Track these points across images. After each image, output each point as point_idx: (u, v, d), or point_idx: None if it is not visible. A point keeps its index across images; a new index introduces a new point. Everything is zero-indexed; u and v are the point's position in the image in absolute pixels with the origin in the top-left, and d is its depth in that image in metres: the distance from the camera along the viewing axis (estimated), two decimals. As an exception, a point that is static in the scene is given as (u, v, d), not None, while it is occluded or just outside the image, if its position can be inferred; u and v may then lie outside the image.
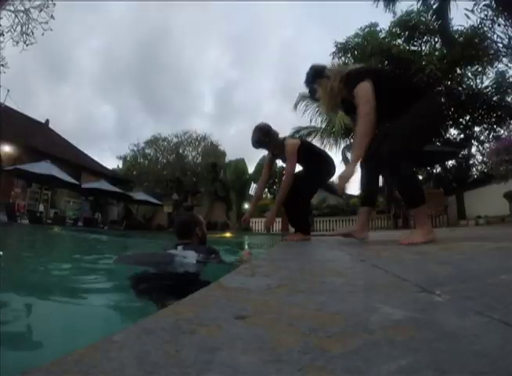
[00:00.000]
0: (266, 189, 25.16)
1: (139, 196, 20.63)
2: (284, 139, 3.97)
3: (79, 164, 21.85)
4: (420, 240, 2.31)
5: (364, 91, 2.58)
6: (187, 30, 71.16)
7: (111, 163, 55.80)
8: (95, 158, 25.51)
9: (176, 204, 23.95)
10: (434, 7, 12.42)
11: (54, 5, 12.50)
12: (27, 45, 12.55)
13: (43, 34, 12.65)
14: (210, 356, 0.45)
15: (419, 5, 12.91)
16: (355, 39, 15.23)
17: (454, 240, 2.47)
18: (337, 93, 2.89)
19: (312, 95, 3.20)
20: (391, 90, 2.68)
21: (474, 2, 11.62)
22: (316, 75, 3.08)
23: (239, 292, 0.86)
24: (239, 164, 23.47)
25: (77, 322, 1.50)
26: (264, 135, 3.87)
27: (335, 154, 17.63)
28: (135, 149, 27.26)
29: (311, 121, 17.50)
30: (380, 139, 2.57)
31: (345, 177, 2.50)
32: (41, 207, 18.03)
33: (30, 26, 12.46)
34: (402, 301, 0.72)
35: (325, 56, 16.72)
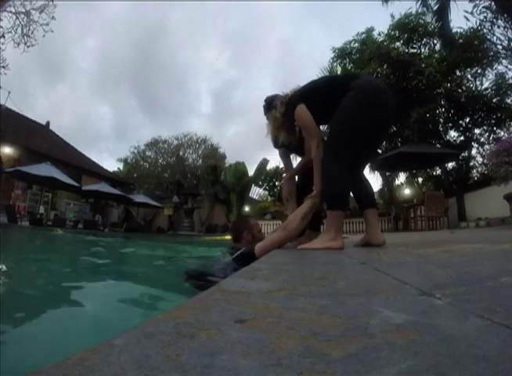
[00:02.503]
0: (266, 192, 25.17)
1: (140, 198, 20.65)
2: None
3: (80, 166, 21.89)
4: (317, 245, 2.33)
5: (300, 115, 2.60)
6: (184, 28, 70.90)
7: (109, 164, 55.84)
8: (93, 160, 25.53)
9: (176, 207, 23.97)
10: (434, 9, 12.45)
11: (55, 6, 12.53)
12: (28, 47, 12.57)
13: (44, 36, 12.68)
14: (211, 360, 0.45)
15: (418, 6, 12.94)
16: (353, 44, 15.28)
17: (455, 243, 2.47)
18: (281, 124, 2.85)
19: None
20: (322, 98, 2.63)
21: (473, 4, 11.67)
22: (267, 107, 3.04)
23: (239, 295, 0.86)
24: (240, 167, 23.49)
25: (75, 325, 1.50)
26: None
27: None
28: (136, 151, 27.33)
29: None
30: None
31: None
32: (42, 209, 18.07)
33: (30, 27, 12.48)
34: (403, 305, 0.72)
35: (324, 55, 16.78)
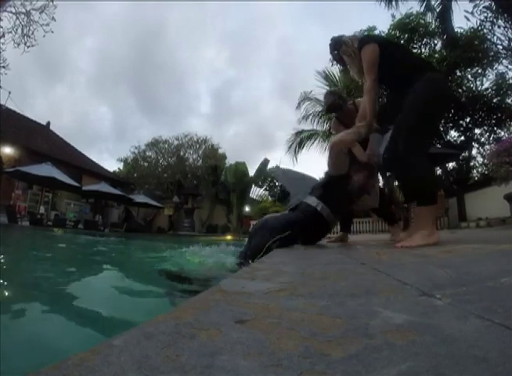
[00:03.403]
0: (266, 192, 25.13)
1: (140, 198, 20.62)
2: (353, 103, 3.97)
3: (80, 166, 21.86)
4: (417, 242, 2.28)
5: (368, 54, 2.68)
6: (183, 28, 70.43)
7: (109, 164, 55.71)
8: (93, 160, 25.51)
9: (177, 207, 23.94)
10: (437, 9, 12.45)
11: (55, 7, 12.51)
12: (28, 47, 12.55)
13: (44, 36, 12.66)
14: (211, 360, 0.45)
15: (421, 7, 12.94)
16: None
17: (455, 243, 2.47)
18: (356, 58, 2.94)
19: (339, 63, 3.29)
20: (393, 59, 2.70)
21: (473, 4, 11.65)
22: (334, 45, 3.17)
23: (239, 296, 0.86)
24: (240, 167, 23.45)
25: (73, 325, 1.50)
26: (338, 98, 3.89)
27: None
28: (136, 151, 27.30)
29: (312, 122, 17.46)
30: (393, 136, 2.63)
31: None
32: (42, 209, 18.06)
33: (31, 28, 12.46)
34: (403, 305, 0.72)
35: (324, 55, 16.76)
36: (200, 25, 75.90)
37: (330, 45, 3.22)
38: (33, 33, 12.51)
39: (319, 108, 17.23)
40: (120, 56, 61.74)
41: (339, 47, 3.08)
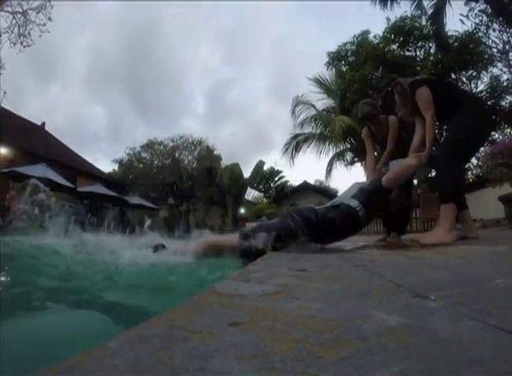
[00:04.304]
0: (262, 194, 25.17)
1: (135, 200, 20.58)
2: (386, 116, 4.25)
3: (75, 167, 21.77)
4: (431, 240, 2.51)
5: (423, 97, 3.01)
6: (178, 27, 69.80)
7: (104, 165, 55.28)
8: (88, 161, 25.40)
9: (172, 209, 23.89)
10: (429, 12, 12.55)
11: (52, 7, 12.49)
12: (24, 47, 12.52)
13: (40, 36, 12.64)
14: (204, 363, 0.45)
15: (413, 9, 13.04)
16: (348, 47, 15.34)
17: (450, 244, 2.48)
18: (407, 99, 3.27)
19: (387, 99, 3.63)
20: (439, 96, 3.02)
21: (468, 8, 11.74)
22: (390, 82, 3.51)
23: (233, 298, 0.86)
24: (235, 169, 23.44)
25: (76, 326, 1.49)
26: (373, 109, 4.15)
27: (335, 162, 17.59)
28: (131, 152, 27.29)
29: (302, 126, 17.53)
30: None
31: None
32: (36, 211, 17.97)
33: (27, 27, 12.44)
34: (396, 307, 0.72)
35: (320, 55, 16.82)
36: (194, 24, 75.67)
37: (385, 82, 3.64)
38: (29, 33, 12.49)
39: (312, 111, 17.31)
40: (114, 55, 61.25)
41: (394, 86, 3.39)
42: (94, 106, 70.54)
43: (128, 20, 58.61)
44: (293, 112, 17.53)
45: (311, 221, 2.67)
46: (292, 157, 17.82)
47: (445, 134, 3.15)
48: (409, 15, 13.62)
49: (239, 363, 0.45)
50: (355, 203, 2.84)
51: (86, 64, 62.65)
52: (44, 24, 12.54)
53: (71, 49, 59.14)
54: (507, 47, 11.58)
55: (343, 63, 15.77)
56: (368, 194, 2.91)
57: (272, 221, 2.88)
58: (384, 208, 3.27)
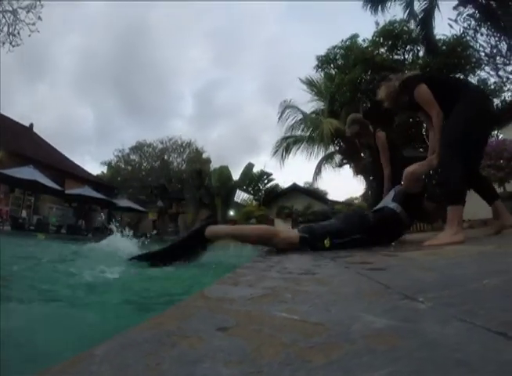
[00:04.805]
0: (251, 196, 25.20)
1: (124, 203, 20.47)
2: (374, 130, 4.42)
3: (63, 169, 21.56)
4: (440, 242, 2.50)
5: (423, 94, 3.02)
6: (167, 27, 69.10)
7: (92, 168, 54.75)
8: (76, 162, 25.15)
9: (161, 212, 23.81)
10: (419, 16, 12.74)
11: (42, 6, 12.38)
12: (13, 46, 12.40)
13: (30, 35, 12.52)
14: (191, 368, 0.45)
15: (404, 15, 13.22)
16: (337, 50, 15.48)
17: (439, 245, 2.50)
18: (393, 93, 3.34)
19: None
20: (434, 89, 3.00)
21: (457, 12, 11.95)
22: (380, 80, 3.66)
23: (221, 302, 0.86)
24: (224, 171, 23.45)
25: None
26: (362, 127, 4.35)
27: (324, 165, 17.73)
28: (120, 155, 27.10)
29: (292, 130, 17.61)
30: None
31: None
32: (24, 214, 17.71)
33: (17, 27, 12.31)
34: (385, 310, 0.72)
35: (311, 57, 16.94)
36: (184, 24, 75.40)
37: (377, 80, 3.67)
38: (18, 32, 12.36)
39: (300, 115, 17.41)
40: (103, 55, 60.70)
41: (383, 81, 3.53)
42: (82, 107, 69.96)
43: (117, 20, 58.28)
44: (280, 117, 17.62)
45: (366, 224, 2.82)
46: (282, 159, 17.91)
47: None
48: (399, 19, 13.79)
49: (227, 367, 0.44)
50: (395, 205, 3.00)
51: (75, 64, 62.03)
52: (33, 23, 12.45)
53: (60, 49, 58.56)
54: (495, 51, 11.81)
55: (332, 66, 15.90)
56: (405, 196, 3.05)
57: (330, 221, 3.01)
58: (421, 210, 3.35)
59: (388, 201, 3.09)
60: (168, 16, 66.33)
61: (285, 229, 2.89)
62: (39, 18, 12.46)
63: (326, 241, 2.61)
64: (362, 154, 15.08)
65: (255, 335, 0.57)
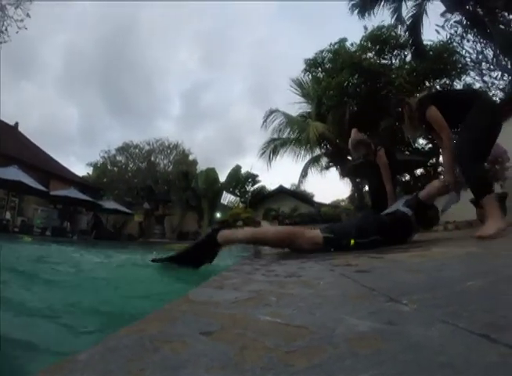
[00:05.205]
0: (238, 198, 25.18)
1: (109, 204, 20.23)
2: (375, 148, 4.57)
3: (48, 170, 21.23)
4: (490, 231, 2.60)
5: (434, 115, 3.13)
6: (155, 27, 68.18)
7: (78, 169, 53.80)
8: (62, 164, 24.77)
9: (147, 214, 23.60)
10: (407, 22, 12.94)
11: (31, 2, 12.20)
12: (1, 43, 12.19)
13: (17, 32, 12.33)
14: (174, 374, 0.44)
15: (392, 20, 13.40)
16: (325, 54, 15.58)
17: (425, 247, 2.52)
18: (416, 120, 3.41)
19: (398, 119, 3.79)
20: (446, 106, 3.14)
21: (444, 19, 12.17)
22: (396, 104, 3.76)
23: (206, 306, 0.85)
24: (211, 173, 23.38)
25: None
26: (367, 149, 4.49)
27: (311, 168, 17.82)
28: (106, 156, 26.81)
29: (279, 132, 17.66)
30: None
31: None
32: (8, 215, 17.36)
33: (5, 23, 12.11)
34: (369, 312, 0.72)
35: (299, 59, 17.03)
36: (172, 25, 74.95)
37: (394, 103, 3.86)
38: (6, 29, 12.17)
39: (286, 119, 17.46)
40: (90, 54, 59.68)
41: (403, 107, 3.53)
42: (68, 107, 68.88)
43: (105, 20, 57.53)
44: (264, 122, 17.66)
45: (383, 226, 2.89)
46: (269, 161, 17.93)
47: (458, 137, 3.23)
48: (387, 24, 13.95)
49: (210, 373, 0.44)
50: (407, 209, 3.11)
51: (61, 63, 61.06)
52: (22, 20, 12.25)
53: (47, 47, 57.52)
54: (480, 57, 12.05)
55: (319, 69, 16.00)
56: (418, 203, 3.18)
57: (350, 221, 3.24)
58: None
59: (400, 205, 3.21)
60: (157, 16, 65.88)
61: (308, 230, 2.88)
62: (27, 15, 12.31)
63: (351, 241, 2.66)
64: (349, 157, 15.26)
65: (239, 339, 0.57)
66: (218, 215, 22.90)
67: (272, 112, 17.43)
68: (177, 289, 2.05)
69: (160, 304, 0.90)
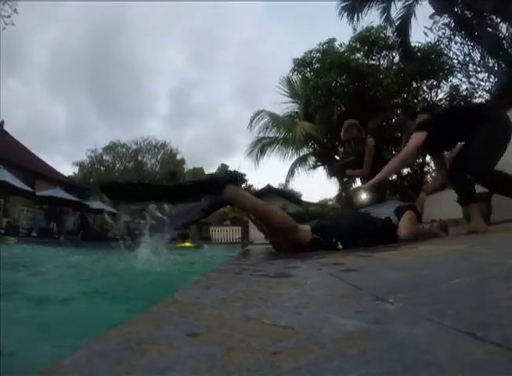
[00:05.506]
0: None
1: (96, 205, 19.99)
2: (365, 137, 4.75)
3: (34, 170, 20.89)
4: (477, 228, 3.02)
5: (410, 142, 3.27)
6: (144, 24, 67.15)
7: (64, 168, 52.82)
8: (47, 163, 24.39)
9: (134, 214, 23.37)
10: (396, 23, 13.07)
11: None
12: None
13: (4, 29, 12.12)
14: (161, 376, 0.44)
15: (381, 20, 13.51)
16: (313, 54, 15.64)
17: (411, 245, 2.54)
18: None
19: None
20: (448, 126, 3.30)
21: (433, 21, 12.33)
22: (403, 123, 4.11)
23: (193, 307, 0.85)
24: (198, 172, 23.31)
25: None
26: (359, 132, 4.65)
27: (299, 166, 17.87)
28: (93, 155, 26.55)
29: (266, 129, 17.67)
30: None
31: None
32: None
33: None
34: (356, 312, 0.72)
35: (287, 59, 17.03)
36: (161, 23, 74.20)
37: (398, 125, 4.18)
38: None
39: (272, 119, 17.48)
40: (77, 51, 58.44)
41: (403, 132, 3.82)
42: (55, 105, 67.65)
43: (93, 17, 56.30)
44: (250, 123, 17.65)
45: (372, 231, 2.86)
46: (257, 160, 17.94)
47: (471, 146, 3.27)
48: (376, 25, 14.05)
49: (197, 375, 0.44)
50: (395, 220, 3.05)
51: (48, 60, 59.87)
52: (9, 16, 12.04)
53: (34, 44, 56.33)
54: (467, 59, 12.23)
55: (308, 69, 16.05)
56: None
57: (340, 221, 3.05)
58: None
59: (390, 213, 3.16)
60: (145, 15, 65.00)
61: (300, 227, 2.71)
62: (15, 11, 12.11)
63: (339, 245, 2.61)
64: (336, 156, 15.35)
65: (226, 340, 0.57)
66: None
67: (258, 113, 17.44)
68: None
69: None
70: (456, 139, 3.47)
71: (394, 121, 13.57)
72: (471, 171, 3.18)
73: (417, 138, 3.27)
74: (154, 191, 2.54)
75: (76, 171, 27.74)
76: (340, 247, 2.60)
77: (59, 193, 17.68)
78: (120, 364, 0.48)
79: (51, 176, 22.21)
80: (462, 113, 3.63)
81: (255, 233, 21.25)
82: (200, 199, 2.48)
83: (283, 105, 17.96)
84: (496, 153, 3.05)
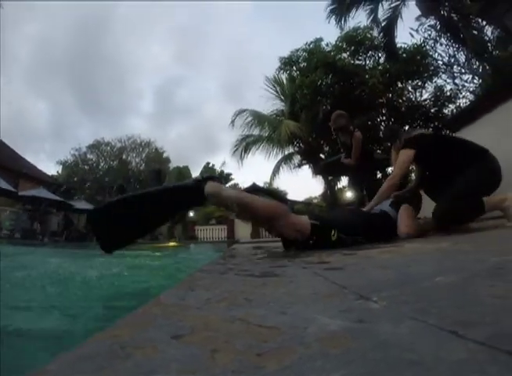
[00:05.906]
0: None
1: (81, 204, 19.76)
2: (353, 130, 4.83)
3: (16, 169, 20.51)
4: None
5: (402, 161, 3.21)
6: (129, 20, 65.98)
7: (46, 167, 51.69)
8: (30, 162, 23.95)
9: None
10: (382, 24, 13.23)
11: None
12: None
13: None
14: (145, 380, 0.43)
15: (368, 21, 13.66)
16: (300, 53, 15.69)
17: (395, 243, 2.57)
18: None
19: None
20: (445, 155, 3.20)
21: (419, 23, 12.52)
22: (391, 135, 4.00)
23: (178, 309, 0.84)
24: (184, 171, 23.16)
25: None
26: (347, 122, 4.78)
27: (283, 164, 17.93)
28: (76, 153, 26.19)
29: (250, 127, 17.65)
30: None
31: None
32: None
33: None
34: (339, 311, 0.73)
35: (274, 58, 17.05)
36: (147, 20, 73.41)
37: (391, 135, 4.01)
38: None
39: (257, 118, 17.49)
40: (60, 47, 57.46)
41: (394, 140, 3.71)
42: (37, 102, 66.38)
43: (76, 12, 55.27)
44: (232, 121, 17.63)
45: (369, 226, 2.84)
46: (241, 158, 17.94)
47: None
48: (362, 26, 14.19)
49: (181, 377, 0.43)
50: (392, 211, 3.11)
51: (30, 56, 58.63)
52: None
53: (15, 39, 55.07)
54: (452, 60, 12.47)
55: (294, 68, 16.10)
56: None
57: (337, 215, 3.13)
58: None
59: (386, 206, 3.20)
60: (131, 12, 64.23)
61: (294, 214, 2.64)
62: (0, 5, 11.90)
63: (334, 234, 2.52)
64: (322, 155, 15.43)
65: (210, 342, 0.57)
66: (191, 214, 22.71)
67: (241, 111, 17.41)
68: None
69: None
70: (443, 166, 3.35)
71: (382, 125, 13.73)
72: (439, 203, 3.13)
73: (408, 155, 3.23)
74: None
75: (59, 170, 27.35)
76: (334, 238, 2.51)
77: (42, 192, 17.42)
78: (104, 369, 0.48)
79: (34, 175, 21.84)
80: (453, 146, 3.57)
81: (241, 232, 21.26)
82: (185, 203, 2.50)
83: (268, 103, 18.00)
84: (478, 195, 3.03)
